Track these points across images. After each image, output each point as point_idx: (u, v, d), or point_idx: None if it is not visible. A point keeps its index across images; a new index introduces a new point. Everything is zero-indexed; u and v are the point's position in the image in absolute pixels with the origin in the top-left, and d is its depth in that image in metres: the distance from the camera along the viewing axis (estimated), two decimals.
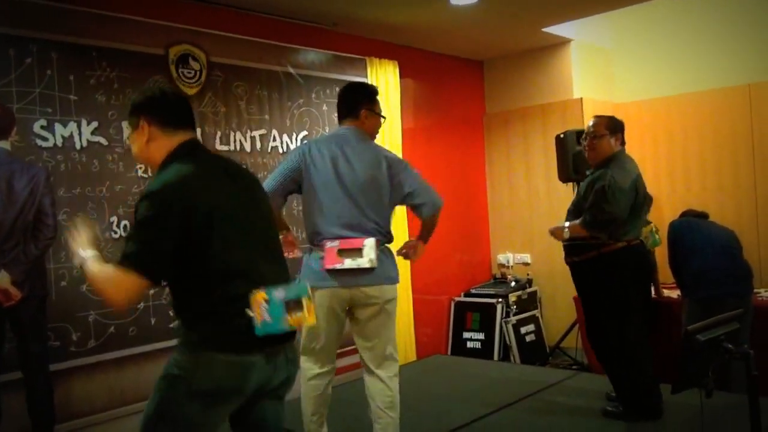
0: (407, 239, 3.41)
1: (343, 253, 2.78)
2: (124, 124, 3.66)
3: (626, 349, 3.38)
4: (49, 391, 3.12)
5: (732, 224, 4.32)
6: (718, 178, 5.56)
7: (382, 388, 2.87)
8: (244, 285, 1.82)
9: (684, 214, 4.47)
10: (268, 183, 2.84)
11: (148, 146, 1.95)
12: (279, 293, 1.85)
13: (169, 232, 1.76)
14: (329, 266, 2.77)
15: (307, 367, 2.92)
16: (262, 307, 1.82)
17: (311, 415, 2.92)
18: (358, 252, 2.79)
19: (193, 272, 1.83)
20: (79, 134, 3.51)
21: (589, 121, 3.66)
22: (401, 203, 3.00)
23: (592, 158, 3.58)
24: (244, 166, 2.19)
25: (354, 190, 2.84)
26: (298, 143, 4.56)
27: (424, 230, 3.09)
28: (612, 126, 3.55)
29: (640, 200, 3.46)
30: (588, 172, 3.63)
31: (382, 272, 2.86)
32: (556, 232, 3.54)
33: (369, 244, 2.80)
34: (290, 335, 1.94)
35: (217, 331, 1.82)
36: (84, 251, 1.92)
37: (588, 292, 3.53)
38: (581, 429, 3.36)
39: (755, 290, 4.55)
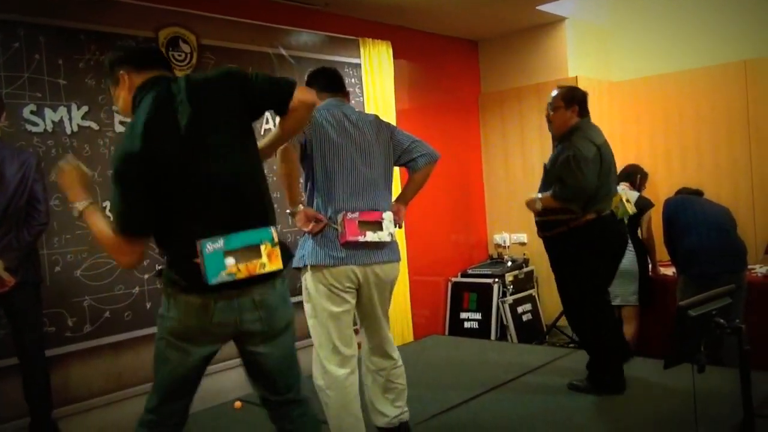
0: None
1: (363, 225, 2.64)
2: (115, 109, 3.64)
3: (595, 319, 3.44)
4: (45, 377, 3.13)
5: (728, 201, 4.33)
6: (714, 155, 5.55)
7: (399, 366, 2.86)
8: (194, 234, 1.89)
9: (679, 192, 4.48)
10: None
11: (131, 95, 2.01)
12: (214, 244, 1.88)
13: (138, 193, 1.88)
14: (351, 238, 2.60)
15: (332, 370, 2.65)
16: (201, 257, 1.88)
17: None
18: (378, 225, 2.68)
19: (160, 221, 1.94)
20: (70, 119, 3.49)
21: (551, 92, 3.62)
22: (398, 163, 2.89)
23: (552, 130, 3.58)
24: (213, 82, 2.03)
25: (369, 157, 2.73)
26: None
27: (412, 187, 2.93)
28: (569, 97, 3.50)
29: (606, 169, 3.42)
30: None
31: (396, 248, 2.79)
32: (529, 204, 3.53)
33: (388, 217, 2.72)
34: (254, 278, 1.96)
35: (177, 276, 1.94)
36: (79, 202, 2.03)
37: (561, 265, 3.55)
38: (577, 406, 3.38)
39: (750, 266, 4.57)
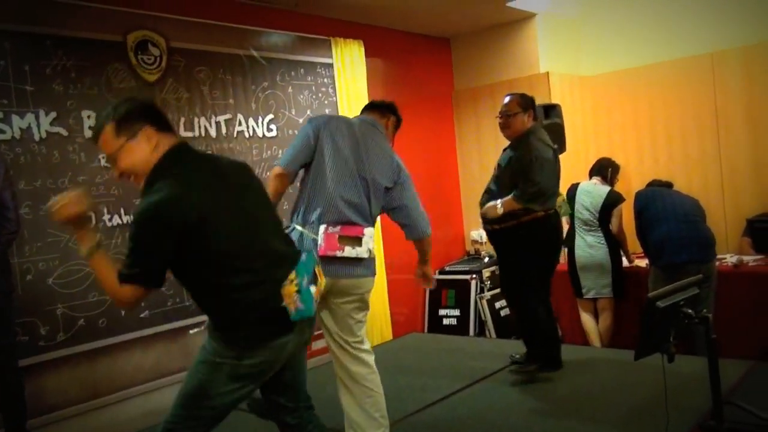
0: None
1: (343, 240, 2.64)
2: (85, 114, 3.61)
3: (534, 307, 3.64)
4: (19, 386, 3.09)
5: (698, 191, 4.41)
6: (684, 146, 5.63)
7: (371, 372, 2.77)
8: (258, 290, 1.93)
9: (650, 184, 4.54)
10: (283, 159, 2.75)
11: (153, 153, 1.93)
12: (305, 281, 1.97)
13: (163, 251, 1.86)
14: (328, 252, 2.60)
15: None
16: (294, 297, 1.94)
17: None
18: (357, 240, 2.67)
19: (207, 282, 1.95)
20: (38, 125, 3.45)
21: (504, 99, 3.78)
22: (386, 211, 2.90)
23: (508, 135, 3.73)
24: (233, 159, 2.23)
25: (366, 177, 2.74)
26: (265, 127, 4.52)
27: (420, 253, 3.02)
28: (524, 103, 3.70)
29: (558, 170, 3.67)
30: (505, 149, 3.76)
31: (372, 264, 2.78)
32: (489, 211, 3.63)
33: (369, 233, 2.71)
34: None
35: (249, 336, 1.94)
36: (85, 246, 1.95)
37: (507, 256, 3.73)
38: (554, 398, 3.42)
39: (721, 256, 4.65)
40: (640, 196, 4.41)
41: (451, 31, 6.23)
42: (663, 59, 5.73)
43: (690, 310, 2.40)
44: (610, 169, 4.77)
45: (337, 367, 2.77)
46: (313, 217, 2.66)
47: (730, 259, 4.47)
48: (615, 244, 4.61)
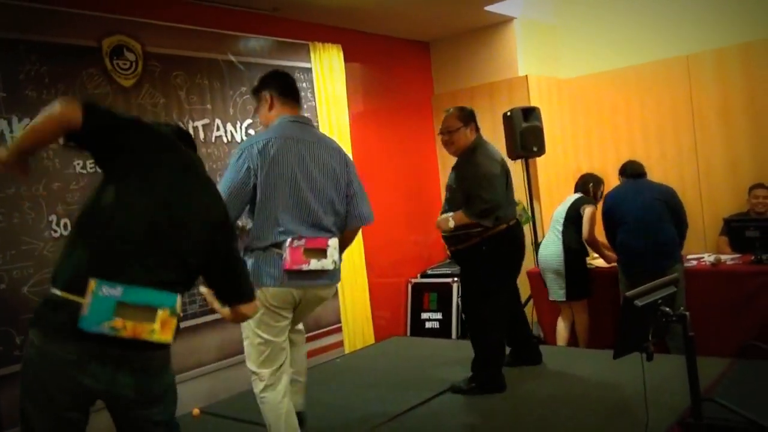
0: None
1: (308, 253, 2.63)
2: None
3: (491, 319, 3.54)
4: None
5: (676, 190, 4.40)
6: (662, 146, 5.69)
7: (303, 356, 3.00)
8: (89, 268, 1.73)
9: (623, 168, 4.54)
10: (230, 210, 2.46)
11: None
12: (113, 290, 1.70)
13: None
14: (295, 267, 2.60)
15: (259, 386, 2.68)
16: (88, 297, 1.69)
17: None
18: (322, 252, 2.67)
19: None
20: (11, 132, 3.39)
21: (445, 114, 3.72)
22: None
23: (453, 152, 3.67)
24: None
25: (321, 186, 2.71)
26: (243, 132, 4.50)
27: (341, 244, 2.86)
28: (464, 117, 3.62)
29: (509, 182, 3.62)
30: (453, 168, 3.70)
31: (337, 272, 2.80)
32: (441, 224, 3.58)
33: (333, 244, 2.71)
34: (142, 344, 1.76)
35: (42, 313, 1.76)
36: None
37: (473, 275, 3.62)
38: (536, 399, 3.42)
39: (698, 255, 4.70)
40: (606, 199, 4.48)
41: (430, 35, 6.25)
42: (640, 62, 5.79)
43: (668, 309, 2.41)
44: (591, 184, 4.79)
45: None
46: (274, 235, 2.62)
47: (708, 258, 4.51)
48: (575, 248, 4.61)
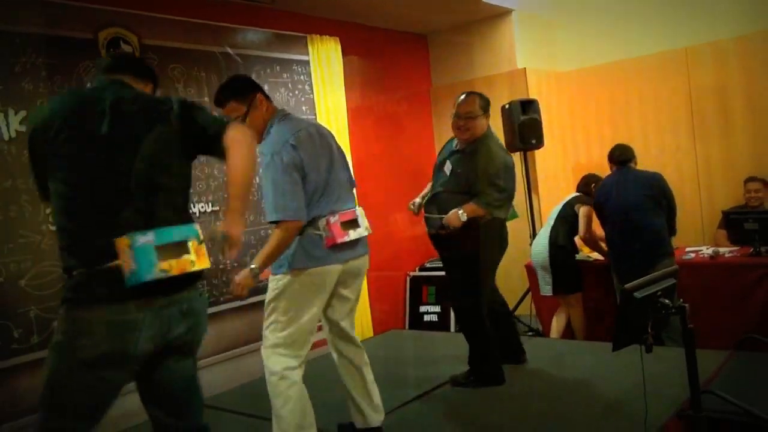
0: None
1: (344, 225, 2.72)
2: None
3: (478, 314, 3.48)
4: None
5: (674, 184, 4.38)
6: (660, 140, 5.69)
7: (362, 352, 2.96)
8: (105, 234, 1.74)
9: (611, 153, 4.49)
10: (297, 211, 2.58)
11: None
12: (145, 237, 1.73)
13: None
14: (339, 240, 2.66)
15: (282, 362, 2.63)
16: (126, 254, 1.71)
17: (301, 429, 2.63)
18: (355, 222, 2.78)
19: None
20: (7, 125, 3.38)
21: (459, 99, 3.59)
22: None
23: (467, 138, 3.52)
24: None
25: (338, 165, 2.82)
26: None
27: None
28: (484, 105, 3.54)
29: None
30: (455, 147, 3.62)
31: (365, 241, 2.88)
32: (453, 220, 3.37)
33: (360, 212, 2.83)
34: (181, 282, 1.82)
35: (85, 286, 1.75)
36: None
37: (455, 262, 3.55)
38: (533, 393, 3.42)
39: (697, 248, 4.69)
40: (596, 195, 4.47)
41: (428, 28, 6.23)
42: (638, 54, 5.77)
43: (667, 300, 2.41)
44: (593, 185, 4.78)
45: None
46: (313, 219, 2.68)
47: (706, 250, 4.51)
48: (562, 245, 4.60)
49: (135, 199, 1.81)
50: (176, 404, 1.95)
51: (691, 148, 5.53)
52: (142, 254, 1.72)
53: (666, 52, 5.60)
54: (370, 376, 2.98)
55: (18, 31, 3.47)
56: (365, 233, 2.83)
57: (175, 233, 1.82)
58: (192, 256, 1.82)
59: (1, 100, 3.37)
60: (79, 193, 1.80)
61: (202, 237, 1.87)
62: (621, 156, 4.40)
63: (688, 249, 4.66)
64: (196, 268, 1.83)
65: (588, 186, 4.81)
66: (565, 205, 4.69)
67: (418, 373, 3.95)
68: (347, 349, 2.93)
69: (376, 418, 2.94)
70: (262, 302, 2.77)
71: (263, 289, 2.76)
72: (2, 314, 3.30)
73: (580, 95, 6.12)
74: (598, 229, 4.64)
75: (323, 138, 2.80)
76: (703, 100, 5.45)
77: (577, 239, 4.68)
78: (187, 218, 1.95)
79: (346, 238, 2.70)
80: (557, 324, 4.77)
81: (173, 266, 1.76)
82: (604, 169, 5.00)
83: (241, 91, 2.73)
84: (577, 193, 4.80)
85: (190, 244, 1.82)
